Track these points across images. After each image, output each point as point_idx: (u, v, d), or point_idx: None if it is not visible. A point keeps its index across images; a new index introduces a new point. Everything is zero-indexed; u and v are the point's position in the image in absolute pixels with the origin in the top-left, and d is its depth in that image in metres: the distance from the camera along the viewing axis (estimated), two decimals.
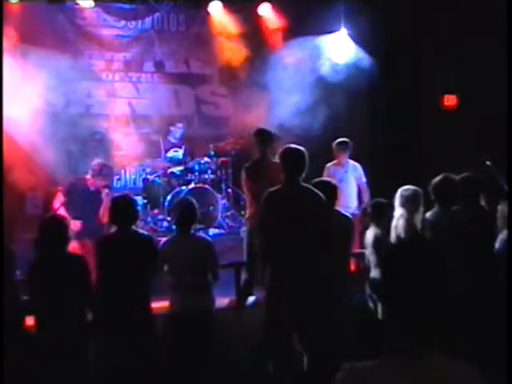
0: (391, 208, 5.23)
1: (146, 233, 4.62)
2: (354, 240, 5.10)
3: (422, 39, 8.95)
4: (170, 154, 8.50)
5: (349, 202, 7.02)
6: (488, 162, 6.32)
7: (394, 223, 5.10)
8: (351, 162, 7.35)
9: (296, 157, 4.45)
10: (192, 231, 4.53)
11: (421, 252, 1.57)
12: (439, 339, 1.50)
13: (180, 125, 8.81)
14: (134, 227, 4.35)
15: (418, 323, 1.50)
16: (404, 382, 1.47)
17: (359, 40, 9.33)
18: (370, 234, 5.06)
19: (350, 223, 4.97)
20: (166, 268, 4.45)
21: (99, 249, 4.31)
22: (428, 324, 1.50)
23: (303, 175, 4.46)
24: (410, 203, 5.04)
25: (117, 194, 4.91)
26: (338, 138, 9.20)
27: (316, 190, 4.42)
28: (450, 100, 9.45)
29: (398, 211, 5.12)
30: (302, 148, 4.55)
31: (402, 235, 4.89)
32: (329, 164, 7.39)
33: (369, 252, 5.00)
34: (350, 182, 7.26)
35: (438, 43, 8.93)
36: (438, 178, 4.79)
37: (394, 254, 1.60)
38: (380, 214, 5.14)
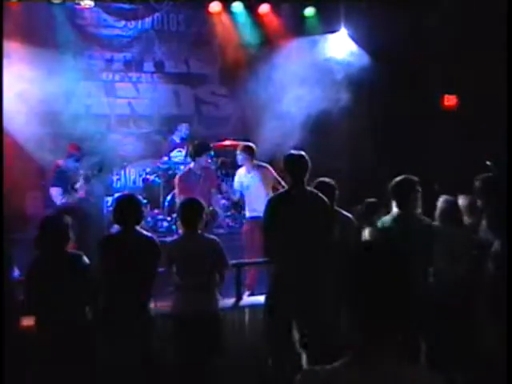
0: (383, 207, 5.23)
1: (149, 234, 4.60)
2: (354, 240, 5.08)
3: (421, 39, 8.96)
4: (174, 154, 8.50)
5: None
6: (488, 162, 6.32)
7: None
8: (256, 163, 6.77)
9: (299, 162, 4.51)
10: (200, 231, 4.49)
11: (383, 254, 1.55)
12: (399, 342, 1.49)
13: (185, 125, 8.82)
14: (137, 228, 4.32)
15: (376, 326, 1.49)
16: None
17: (359, 40, 9.34)
18: (367, 233, 5.05)
19: (351, 223, 4.97)
20: (174, 268, 4.42)
21: (102, 248, 4.30)
22: (388, 326, 1.49)
23: (306, 179, 4.52)
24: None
25: (121, 194, 4.88)
26: (339, 138, 9.23)
27: (320, 194, 4.46)
28: (450, 100, 9.46)
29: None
30: (303, 153, 4.61)
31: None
32: (238, 171, 6.93)
33: None
34: (256, 185, 6.65)
35: (438, 43, 8.93)
36: (396, 179, 4.63)
37: (355, 256, 1.60)
38: (373, 213, 5.14)
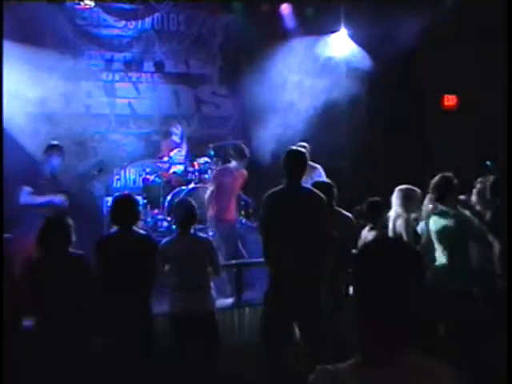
0: (386, 206, 5.24)
1: (146, 233, 4.62)
2: (354, 240, 5.08)
3: (422, 39, 8.96)
4: (173, 154, 8.49)
5: None
6: (488, 162, 6.33)
7: (391, 223, 5.10)
8: (311, 163, 7.22)
9: (297, 158, 4.47)
10: (193, 231, 4.53)
11: (392, 251, 1.54)
12: (412, 339, 1.49)
13: (179, 126, 8.80)
14: (134, 227, 4.34)
15: (387, 323, 1.48)
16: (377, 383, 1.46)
17: (359, 40, 9.34)
18: (369, 233, 5.04)
19: (351, 223, 4.96)
20: (166, 268, 4.45)
21: (100, 248, 4.30)
22: (399, 324, 1.48)
23: (304, 176, 4.50)
24: (407, 203, 5.04)
25: (118, 194, 4.89)
26: (339, 138, 9.22)
27: (317, 191, 4.43)
28: (450, 100, 9.47)
29: (396, 211, 5.11)
30: (303, 150, 4.58)
31: (404, 235, 4.89)
32: None
33: None
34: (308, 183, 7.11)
35: (438, 43, 8.93)
36: (436, 178, 4.78)
37: (365, 253, 1.59)
38: (377, 212, 5.13)
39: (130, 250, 4.19)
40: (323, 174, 7.03)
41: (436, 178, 4.77)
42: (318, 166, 7.09)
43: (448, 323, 4.41)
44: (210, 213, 6.87)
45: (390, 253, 1.54)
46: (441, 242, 4.60)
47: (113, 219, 4.36)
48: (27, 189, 5.97)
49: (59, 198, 6.09)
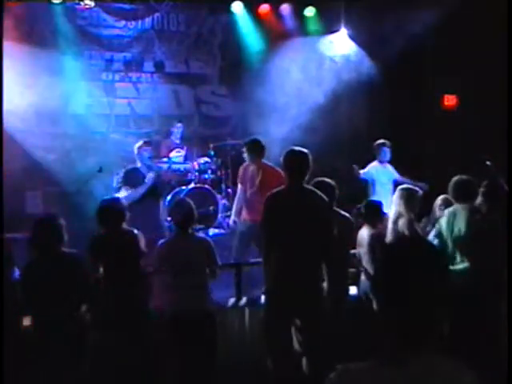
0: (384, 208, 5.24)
1: (135, 230, 4.65)
2: (353, 240, 5.08)
3: (422, 39, 8.96)
4: (173, 154, 8.49)
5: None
6: (488, 162, 6.33)
7: (391, 223, 5.09)
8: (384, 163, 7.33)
9: (300, 159, 4.44)
10: (191, 231, 4.53)
11: (416, 251, 1.55)
12: (431, 339, 1.49)
13: (179, 124, 8.78)
14: (124, 226, 4.46)
15: (409, 324, 1.49)
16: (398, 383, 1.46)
17: (359, 40, 9.34)
18: (365, 233, 5.04)
19: (350, 224, 4.96)
20: (164, 268, 4.45)
21: (95, 248, 4.33)
22: (420, 324, 1.49)
23: (306, 177, 4.47)
24: (409, 202, 5.04)
25: (106, 198, 4.92)
26: (339, 138, 9.23)
27: (319, 192, 4.42)
28: (450, 100, 9.47)
29: (397, 210, 5.11)
30: (305, 150, 4.53)
31: (406, 234, 4.89)
32: (373, 164, 7.36)
33: (363, 251, 4.98)
34: (388, 180, 7.19)
35: (438, 43, 8.93)
36: (455, 178, 4.78)
37: (395, 252, 1.58)
38: (374, 213, 5.13)
39: (124, 248, 4.27)
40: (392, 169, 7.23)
41: (455, 179, 4.75)
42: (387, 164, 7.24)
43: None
44: (246, 216, 6.36)
45: (414, 253, 1.54)
46: (461, 243, 4.53)
47: (102, 221, 4.43)
48: (127, 188, 6.09)
49: (149, 178, 6.18)
